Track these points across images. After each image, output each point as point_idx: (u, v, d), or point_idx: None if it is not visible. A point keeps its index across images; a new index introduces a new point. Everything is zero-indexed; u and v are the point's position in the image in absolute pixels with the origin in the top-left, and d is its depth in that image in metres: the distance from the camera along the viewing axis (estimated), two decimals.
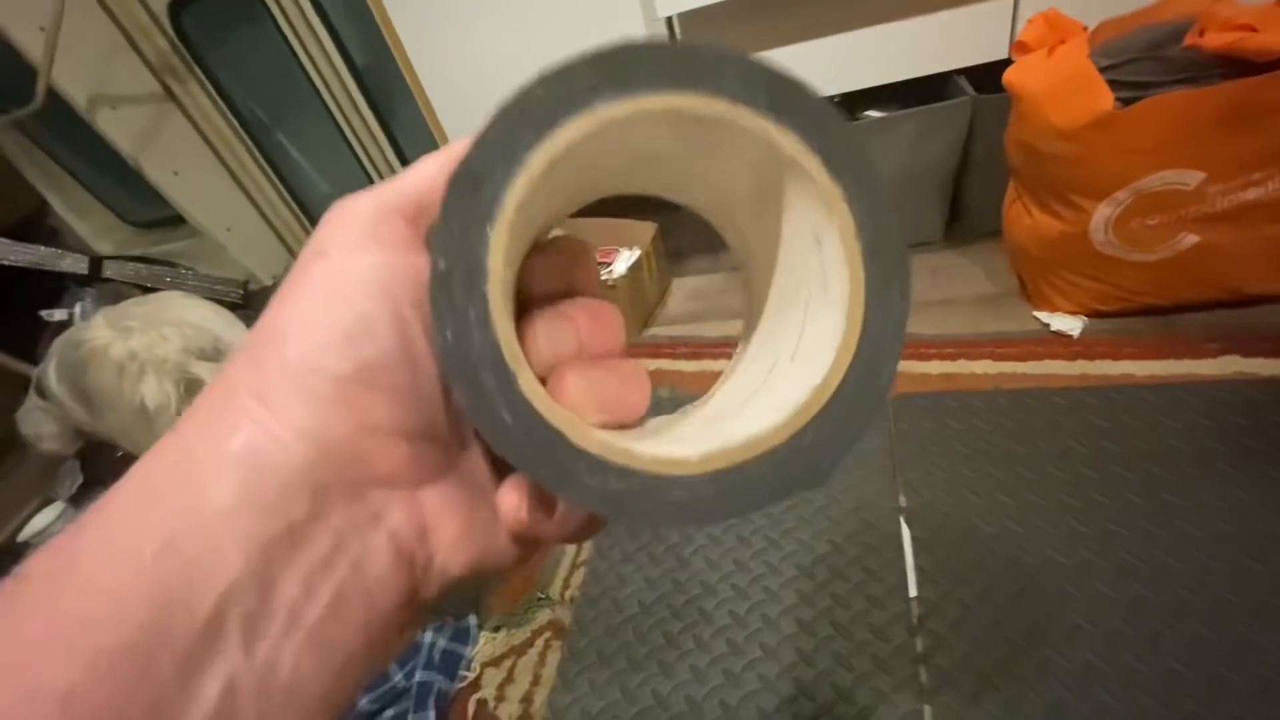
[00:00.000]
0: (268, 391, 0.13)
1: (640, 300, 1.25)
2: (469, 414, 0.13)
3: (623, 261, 1.22)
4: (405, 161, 1.54)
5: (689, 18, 0.97)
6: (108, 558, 0.11)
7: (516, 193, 0.13)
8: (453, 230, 0.13)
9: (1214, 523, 0.66)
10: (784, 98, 0.14)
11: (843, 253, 0.15)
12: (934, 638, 0.65)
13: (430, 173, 0.15)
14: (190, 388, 0.91)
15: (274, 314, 0.14)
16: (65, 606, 0.11)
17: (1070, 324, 0.90)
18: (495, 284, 0.13)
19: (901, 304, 0.15)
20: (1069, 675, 0.60)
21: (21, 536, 1.33)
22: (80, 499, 1.37)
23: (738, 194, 0.17)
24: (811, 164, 0.14)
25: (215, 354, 0.94)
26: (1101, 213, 0.79)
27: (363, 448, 0.13)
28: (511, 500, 0.15)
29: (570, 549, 0.86)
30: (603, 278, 1.21)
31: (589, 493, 0.13)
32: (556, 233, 0.19)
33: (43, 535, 1.31)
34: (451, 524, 0.15)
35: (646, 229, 1.26)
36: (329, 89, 1.45)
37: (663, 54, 0.14)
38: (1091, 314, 0.90)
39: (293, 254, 1.79)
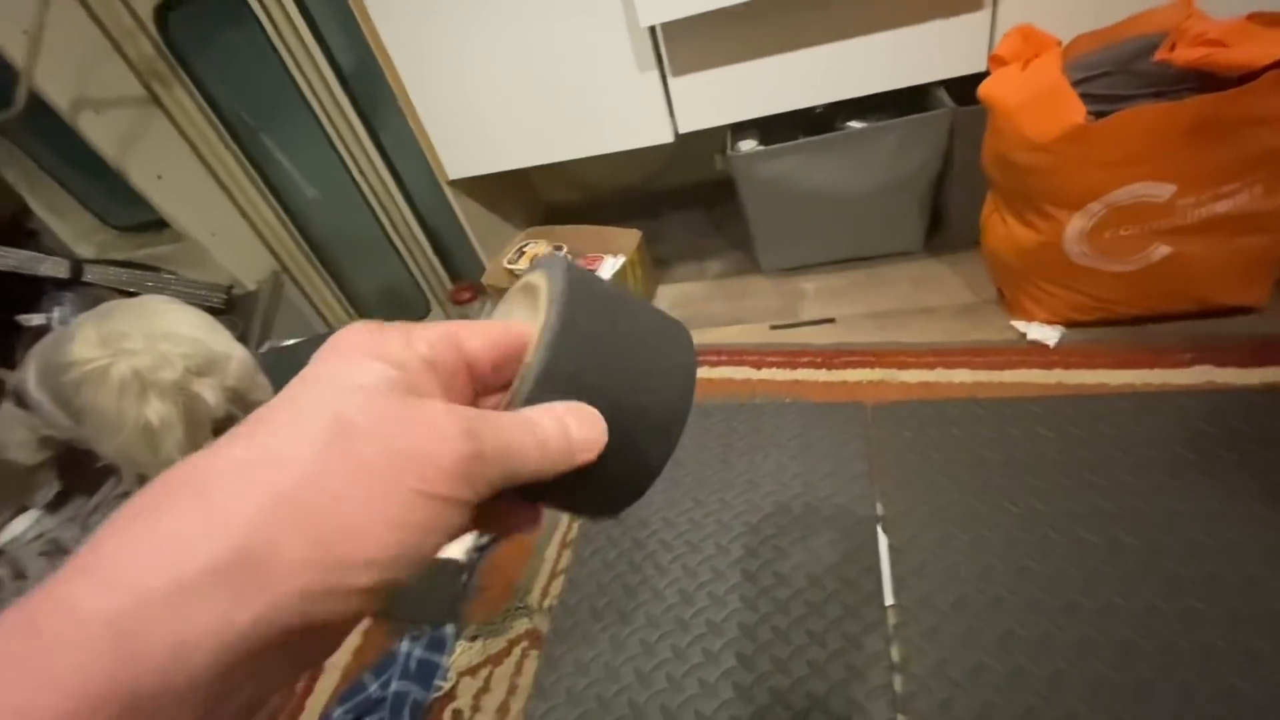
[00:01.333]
0: (304, 576, 0.14)
1: None
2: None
3: (607, 268, 1.22)
4: (390, 163, 1.54)
5: (671, 29, 0.97)
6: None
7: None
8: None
9: (1186, 530, 0.66)
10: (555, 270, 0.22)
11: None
12: (909, 646, 0.65)
13: (523, 454, 0.18)
14: (190, 404, 0.90)
15: (341, 480, 0.14)
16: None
17: (1047, 333, 0.91)
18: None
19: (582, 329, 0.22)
20: (1041, 682, 0.60)
21: None
22: (56, 506, 1.35)
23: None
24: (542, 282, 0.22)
25: (208, 366, 0.93)
26: (1075, 224, 0.80)
27: (321, 628, 0.15)
28: (534, 515, 0.22)
29: (550, 557, 0.86)
30: None
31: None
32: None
33: (17, 542, 1.29)
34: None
35: (631, 236, 1.27)
36: (314, 93, 1.45)
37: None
38: (1068, 323, 0.91)
39: (278, 259, 1.77)
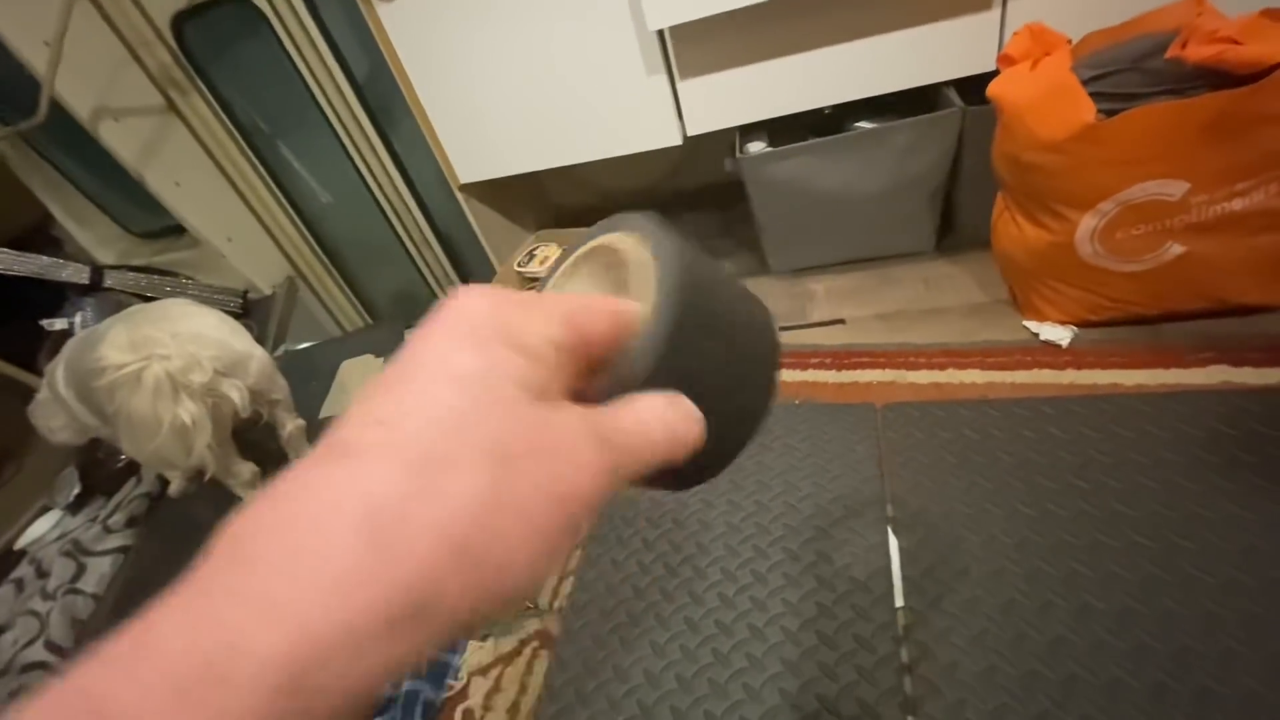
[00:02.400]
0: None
1: None
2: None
3: None
4: (403, 169, 1.56)
5: (680, 32, 0.98)
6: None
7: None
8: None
9: (1202, 534, 0.66)
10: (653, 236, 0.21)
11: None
12: (919, 648, 0.65)
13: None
14: (217, 405, 0.92)
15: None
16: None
17: (1059, 333, 0.90)
18: None
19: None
20: (1054, 686, 0.59)
21: (19, 544, 1.33)
22: (77, 507, 1.37)
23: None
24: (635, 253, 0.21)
25: (232, 367, 0.95)
26: (1087, 223, 0.79)
27: None
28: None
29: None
30: None
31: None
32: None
33: (39, 543, 1.32)
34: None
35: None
36: (328, 100, 1.47)
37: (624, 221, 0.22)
38: (1080, 323, 0.90)
39: (293, 264, 1.80)
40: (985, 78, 0.85)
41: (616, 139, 1.15)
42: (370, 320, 1.89)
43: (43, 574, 1.19)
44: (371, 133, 1.50)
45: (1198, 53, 0.68)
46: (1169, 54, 0.70)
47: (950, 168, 1.04)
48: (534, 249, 1.36)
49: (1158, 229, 0.78)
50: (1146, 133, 0.72)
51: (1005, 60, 0.81)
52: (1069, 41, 0.80)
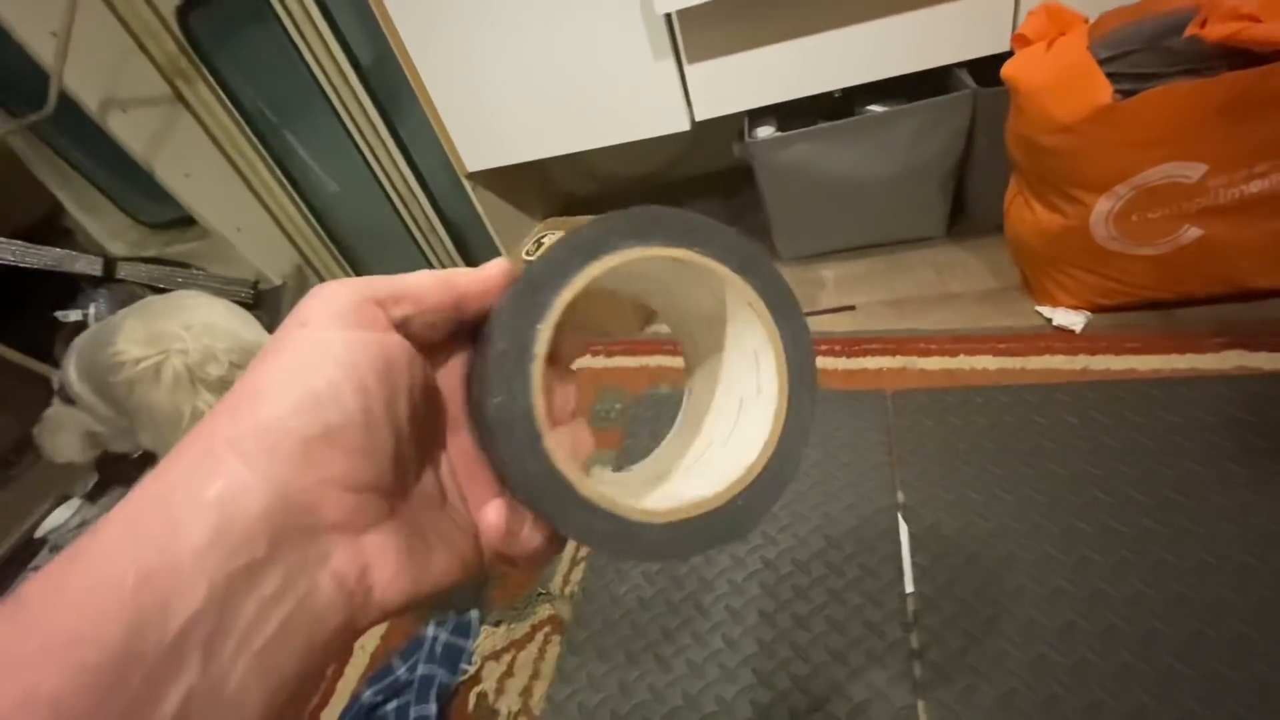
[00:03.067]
0: (242, 445, 0.15)
1: None
2: (504, 462, 0.16)
3: None
4: (410, 159, 1.56)
5: (687, 15, 0.97)
6: (94, 585, 0.13)
7: (563, 300, 0.17)
8: (512, 323, 0.17)
9: (1216, 519, 0.65)
10: (750, 262, 0.20)
11: (775, 374, 0.21)
12: (929, 633, 0.65)
13: (425, 273, 0.18)
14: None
15: (254, 373, 0.16)
16: (57, 626, 0.13)
17: (1073, 319, 0.89)
18: (538, 365, 0.17)
19: (811, 410, 0.21)
20: (1064, 671, 0.60)
21: (39, 533, 1.36)
22: (95, 496, 1.40)
23: (697, 313, 0.23)
24: (762, 309, 0.21)
25: (244, 358, 0.96)
26: (1102, 206, 0.78)
27: (318, 499, 0.15)
28: (496, 520, 0.18)
29: (570, 545, 0.87)
30: None
31: (584, 531, 0.17)
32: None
33: (59, 531, 1.34)
34: (389, 563, 0.17)
35: None
36: (334, 88, 1.46)
37: (672, 218, 0.19)
38: (1094, 308, 0.89)
39: (301, 254, 1.81)
40: (999, 59, 0.84)
41: (624, 125, 1.14)
42: None
43: None
44: (378, 121, 1.50)
45: (1217, 31, 0.67)
46: (1187, 33, 0.69)
47: (962, 151, 1.03)
48: (541, 236, 1.36)
49: (1174, 212, 0.76)
50: (1164, 114, 0.70)
51: (1020, 40, 0.80)
52: (1085, 21, 0.78)
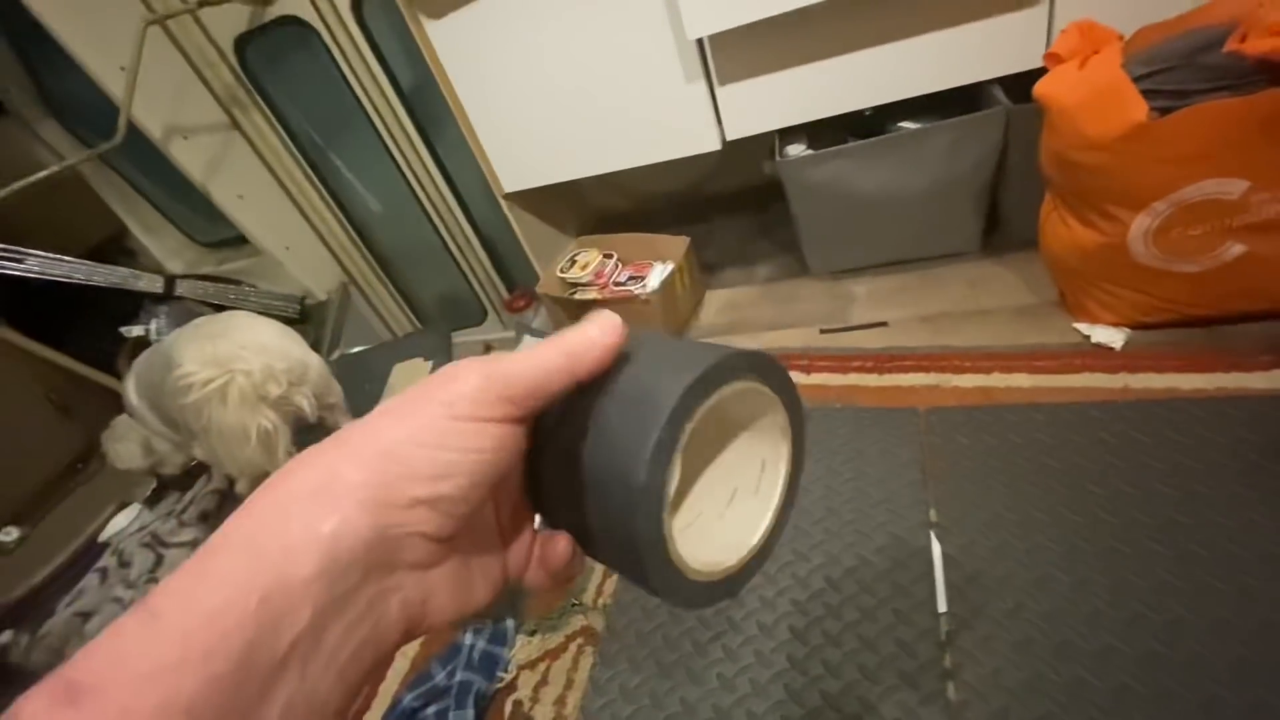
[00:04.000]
0: (363, 494, 0.17)
1: (674, 312, 1.27)
2: (640, 527, 0.20)
3: (656, 275, 1.25)
4: (449, 179, 1.61)
5: (719, 39, 0.99)
6: (222, 605, 0.15)
7: (700, 414, 0.21)
8: (675, 415, 0.20)
9: (1260, 543, 0.64)
10: (795, 397, 0.25)
11: (781, 484, 0.26)
12: (962, 654, 0.65)
13: (547, 365, 0.20)
14: (286, 417, 0.98)
15: (387, 428, 0.18)
16: (192, 639, 0.15)
17: (1113, 336, 0.88)
18: (672, 484, 0.21)
19: (793, 506, 0.27)
20: (1102, 695, 0.59)
21: (102, 536, 1.44)
22: (153, 502, 1.47)
23: (720, 417, 0.26)
24: (790, 439, 0.26)
25: (299, 377, 1.01)
26: (1140, 224, 0.77)
27: (407, 545, 0.18)
28: (566, 549, 0.23)
29: None
30: (637, 291, 1.24)
31: (661, 584, 0.21)
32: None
33: (121, 534, 1.42)
34: (445, 592, 0.20)
35: (679, 243, 1.29)
36: (378, 112, 1.53)
37: (759, 358, 0.24)
38: (1134, 325, 0.88)
39: (346, 271, 1.88)
40: (1032, 74, 0.84)
41: (656, 145, 1.17)
42: (419, 324, 1.96)
43: (124, 564, 1.28)
44: (419, 143, 1.56)
45: (1257, 46, 0.66)
46: (1227, 48, 0.68)
47: (996, 167, 1.03)
48: (575, 254, 1.40)
49: (1216, 229, 0.75)
50: (1203, 131, 0.70)
51: (1053, 58, 0.80)
52: (1120, 38, 0.78)
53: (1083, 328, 0.91)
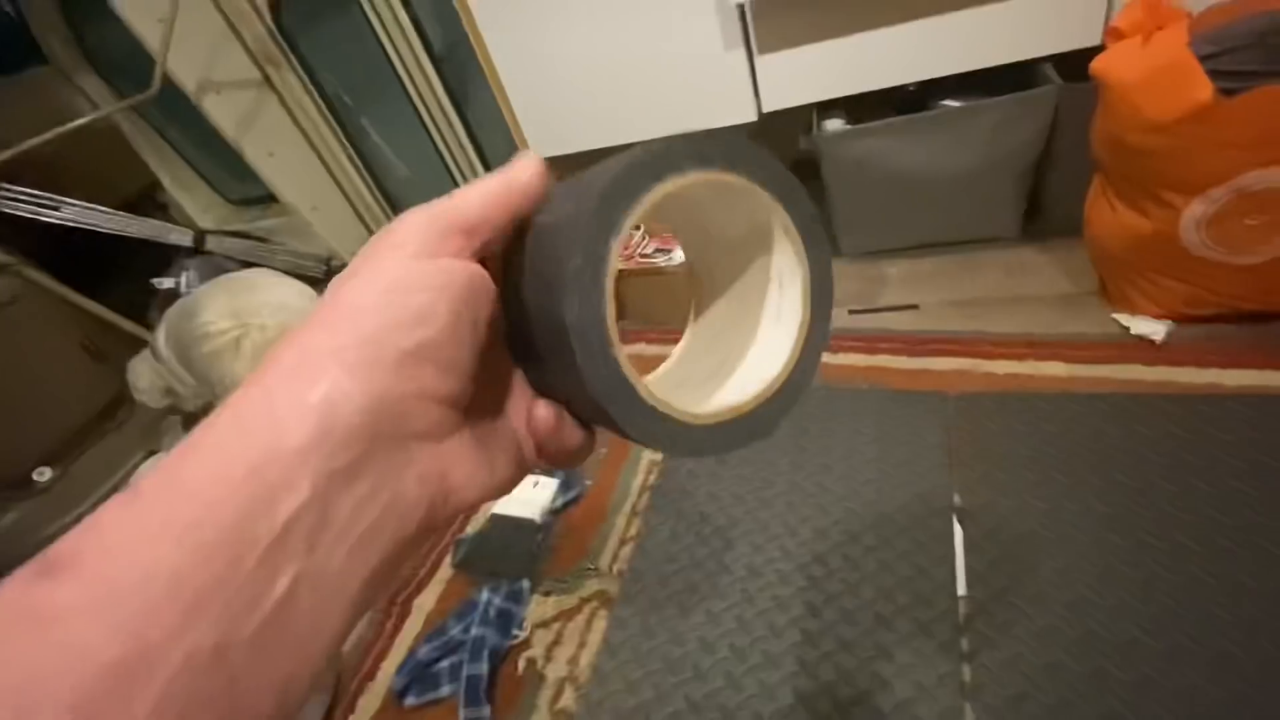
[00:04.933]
0: (345, 355, 0.16)
1: None
2: (580, 364, 0.18)
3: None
4: (478, 145, 1.60)
5: (761, 5, 0.96)
6: (207, 477, 0.15)
7: (632, 219, 0.18)
8: (586, 239, 0.18)
9: None
10: (791, 191, 0.22)
11: (800, 298, 0.22)
12: (981, 638, 0.65)
13: (491, 193, 0.19)
14: None
15: (349, 290, 0.18)
16: (174, 511, 0.14)
17: (1154, 327, 0.85)
18: (610, 278, 0.18)
19: (826, 334, 0.23)
20: (1124, 687, 0.58)
21: (130, 480, 1.48)
22: None
23: (723, 239, 0.24)
24: (796, 238, 0.22)
25: None
26: (1194, 211, 0.74)
27: (409, 409, 0.17)
28: (544, 414, 0.21)
29: (619, 525, 0.89)
30: (662, 264, 1.23)
31: (644, 432, 0.19)
32: None
33: None
34: (464, 467, 0.19)
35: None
36: (409, 75, 1.52)
37: (729, 143, 0.20)
38: (1178, 318, 0.85)
39: (371, 233, 1.88)
40: (1088, 52, 0.80)
41: (691, 115, 1.14)
42: None
43: None
44: (449, 109, 1.55)
45: None
46: None
47: (1042, 149, 0.99)
48: None
49: (1274, 220, 0.72)
50: (1270, 115, 0.66)
51: (1113, 34, 0.77)
52: (1187, 14, 0.74)
53: (1122, 318, 0.89)
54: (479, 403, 0.20)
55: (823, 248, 0.22)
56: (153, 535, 0.14)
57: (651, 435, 0.19)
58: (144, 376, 1.32)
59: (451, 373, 0.18)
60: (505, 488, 0.21)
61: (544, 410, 0.21)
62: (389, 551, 0.17)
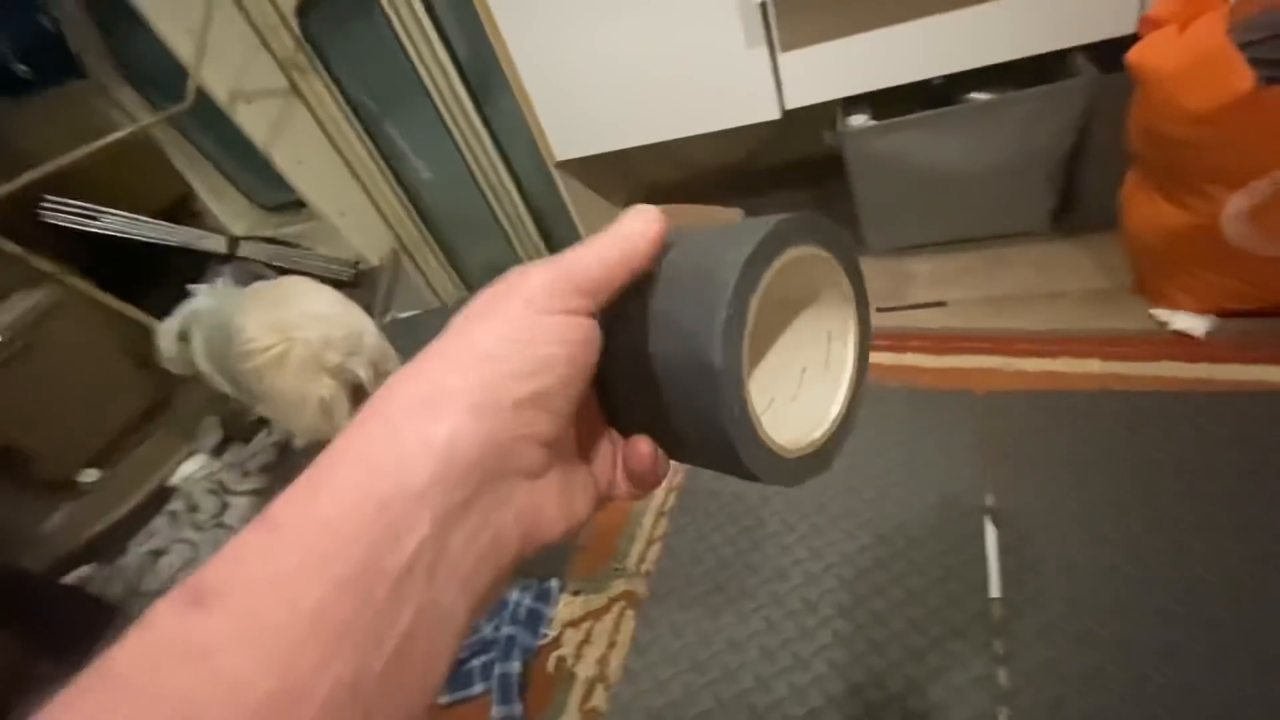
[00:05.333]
0: (469, 398, 0.17)
1: None
2: (722, 405, 0.20)
3: None
4: (501, 150, 1.62)
5: (784, 2, 0.95)
6: (340, 513, 0.15)
7: (768, 279, 0.21)
8: (739, 292, 0.20)
9: None
10: (853, 258, 0.24)
11: (852, 353, 0.25)
12: (1016, 640, 0.64)
13: (613, 256, 0.20)
14: (343, 385, 1.01)
15: (480, 334, 0.19)
16: (312, 546, 0.15)
17: (1194, 323, 0.83)
18: (748, 330, 0.20)
19: (865, 381, 0.26)
20: (1166, 693, 0.57)
21: (171, 481, 1.52)
22: (219, 451, 1.55)
23: (779, 296, 0.24)
24: (852, 300, 0.25)
25: (356, 345, 1.03)
26: (1236, 203, 0.72)
27: (518, 450, 0.18)
28: (647, 450, 0.22)
29: (647, 525, 0.90)
30: None
31: (757, 464, 0.21)
32: None
33: (189, 481, 1.50)
34: (553, 504, 0.20)
35: (732, 215, 1.27)
36: (433, 80, 1.54)
37: (818, 220, 0.22)
38: (1220, 313, 0.83)
39: (398, 237, 1.91)
40: (1123, 41, 0.78)
41: (714, 113, 1.14)
42: (466, 290, 1.99)
43: (192, 508, 1.36)
44: (472, 112, 1.56)
45: None
46: None
47: (1075, 142, 0.97)
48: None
49: None
50: None
51: (1149, 23, 0.75)
52: (1226, 2, 0.72)
53: (1161, 314, 0.86)
54: (567, 443, 0.21)
55: (865, 306, 0.25)
56: (294, 569, 0.15)
57: (764, 469, 0.21)
58: (171, 344, 1.33)
59: (559, 419, 0.19)
60: (583, 524, 0.22)
61: (647, 447, 0.22)
62: (490, 583, 0.18)
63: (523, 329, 0.18)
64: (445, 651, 0.16)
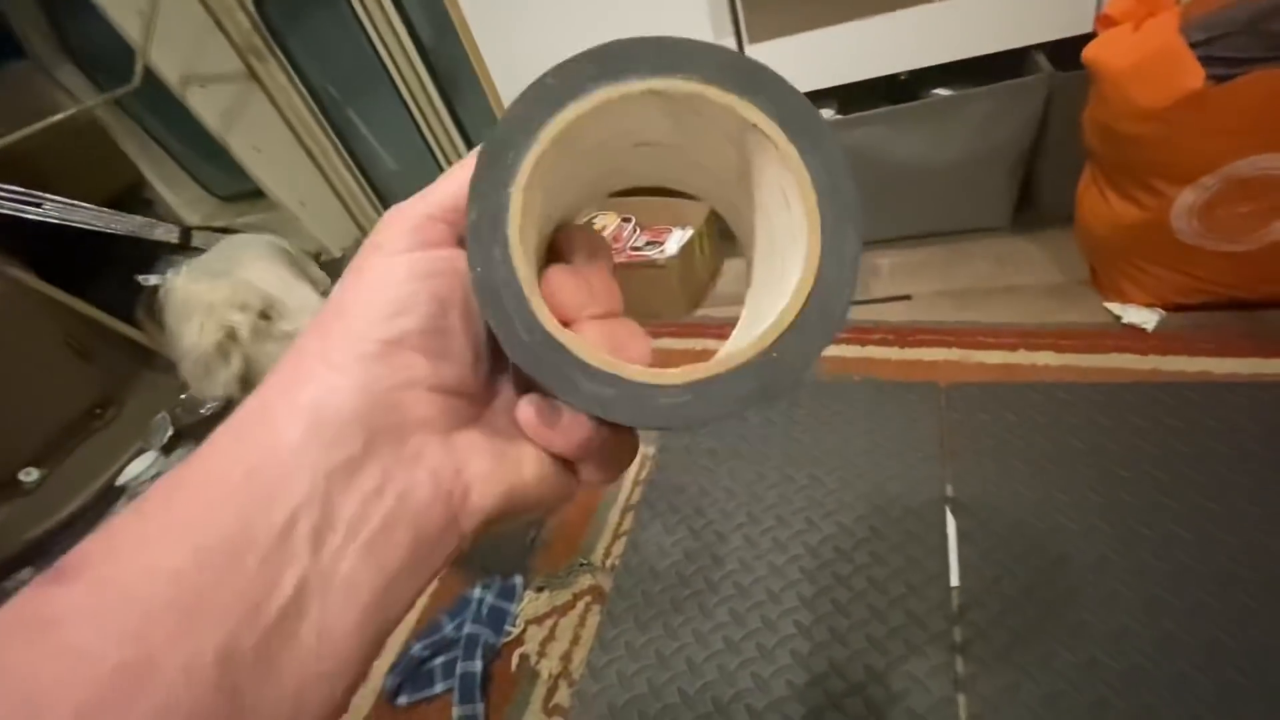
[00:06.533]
0: (330, 355, 0.16)
1: (692, 280, 1.25)
2: (495, 331, 0.16)
3: (675, 241, 1.23)
4: (468, 139, 1.59)
5: None
6: (205, 481, 0.15)
7: (532, 158, 0.16)
8: (483, 189, 0.16)
9: None
10: (750, 79, 0.16)
11: (801, 202, 0.16)
12: (974, 628, 0.65)
13: (462, 179, 0.18)
14: (229, 334, 0.98)
15: (338, 295, 0.18)
16: (173, 515, 0.14)
17: (1145, 316, 0.85)
18: (514, 229, 0.16)
19: (855, 242, 0.17)
20: (1115, 676, 0.58)
21: (119, 481, 1.46)
22: (170, 448, 1.49)
23: (728, 174, 0.19)
24: (771, 129, 0.16)
25: (267, 309, 1.01)
26: (1185, 199, 0.74)
27: (403, 398, 0.17)
28: (527, 411, 0.18)
29: (612, 520, 0.89)
30: (654, 256, 1.22)
31: (585, 397, 0.16)
32: (583, 220, 0.21)
33: (138, 480, 1.44)
34: (481, 463, 0.18)
35: (700, 208, 1.26)
36: (398, 69, 1.50)
37: (649, 47, 0.16)
38: (1169, 306, 0.85)
39: (360, 228, 1.87)
40: (1078, 41, 0.80)
41: None
42: None
43: None
44: (438, 101, 1.53)
45: None
46: None
47: (1033, 138, 0.99)
48: (591, 217, 1.37)
49: (1265, 207, 0.72)
50: (1261, 101, 0.66)
51: (1105, 21, 0.76)
52: (1179, 1, 0.74)
53: (1114, 307, 0.89)
54: (485, 396, 0.19)
55: (822, 140, 0.16)
56: (152, 538, 0.14)
57: (605, 403, 0.16)
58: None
59: (444, 360, 0.17)
60: (539, 494, 0.19)
61: (524, 406, 0.18)
62: (407, 554, 0.16)
63: (377, 275, 0.17)
64: (346, 630, 0.15)
